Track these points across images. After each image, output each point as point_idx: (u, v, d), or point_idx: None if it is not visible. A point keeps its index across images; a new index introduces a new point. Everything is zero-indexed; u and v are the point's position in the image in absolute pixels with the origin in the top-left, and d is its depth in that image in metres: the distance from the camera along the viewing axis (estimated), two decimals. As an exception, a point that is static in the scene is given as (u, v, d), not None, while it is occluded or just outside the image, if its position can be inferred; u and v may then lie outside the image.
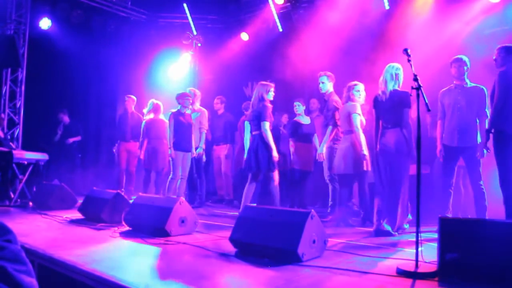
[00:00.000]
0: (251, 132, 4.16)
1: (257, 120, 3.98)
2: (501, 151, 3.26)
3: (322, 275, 2.17)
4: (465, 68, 3.58)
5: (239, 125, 5.89)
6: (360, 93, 3.97)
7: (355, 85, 3.98)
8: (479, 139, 3.55)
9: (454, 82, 3.66)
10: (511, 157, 3.22)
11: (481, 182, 3.50)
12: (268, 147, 3.91)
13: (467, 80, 3.63)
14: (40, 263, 2.43)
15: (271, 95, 4.05)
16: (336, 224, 3.93)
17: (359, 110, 3.90)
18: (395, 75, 3.43)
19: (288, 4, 6.65)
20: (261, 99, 4.00)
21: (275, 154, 3.92)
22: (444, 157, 3.70)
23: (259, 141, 3.96)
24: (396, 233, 3.35)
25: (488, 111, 3.53)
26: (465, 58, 3.62)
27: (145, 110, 5.83)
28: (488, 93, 3.52)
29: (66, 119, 6.72)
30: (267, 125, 3.93)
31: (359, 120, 3.87)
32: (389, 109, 3.39)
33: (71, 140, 6.59)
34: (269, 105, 4.01)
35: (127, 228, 3.51)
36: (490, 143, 3.37)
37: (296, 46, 6.35)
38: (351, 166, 3.85)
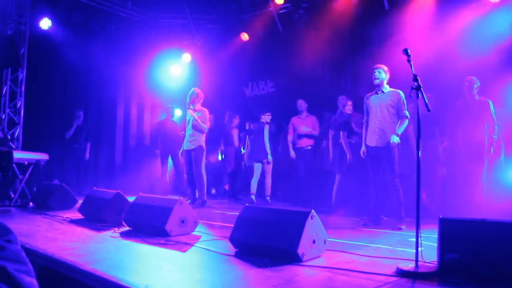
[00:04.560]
0: (336, 139, 5.11)
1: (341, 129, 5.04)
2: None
3: (322, 275, 2.17)
4: (383, 75, 3.92)
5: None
6: None
7: None
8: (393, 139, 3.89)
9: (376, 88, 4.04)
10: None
11: (397, 180, 3.87)
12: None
13: (386, 86, 4.01)
14: (40, 263, 2.43)
15: (347, 109, 5.04)
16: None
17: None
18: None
19: (289, 4, 6.64)
20: (341, 112, 5.09)
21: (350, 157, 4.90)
22: (366, 156, 4.08)
23: (341, 147, 5.05)
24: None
25: (408, 113, 3.90)
26: (383, 66, 3.96)
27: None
28: (404, 95, 3.85)
29: (81, 118, 6.78)
30: (343, 135, 4.98)
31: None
32: None
33: (87, 155, 6.71)
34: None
35: (127, 228, 3.51)
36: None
37: (296, 46, 6.35)
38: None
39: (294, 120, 5.89)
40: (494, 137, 4.26)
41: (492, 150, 4.24)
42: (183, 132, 5.65)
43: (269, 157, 5.80)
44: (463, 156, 4.40)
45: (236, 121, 6.68)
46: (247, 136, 6.57)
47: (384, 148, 3.92)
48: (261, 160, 5.86)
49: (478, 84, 4.35)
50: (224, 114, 7.02)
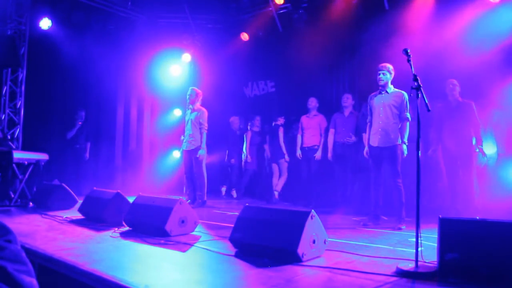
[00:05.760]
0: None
1: None
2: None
3: (322, 275, 2.17)
4: (387, 76, 3.94)
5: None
6: None
7: None
8: (399, 141, 3.90)
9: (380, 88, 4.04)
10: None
11: (399, 180, 3.88)
12: None
13: (390, 86, 4.01)
14: (40, 263, 2.44)
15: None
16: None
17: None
18: None
19: (289, 4, 6.65)
20: (363, 114, 5.06)
21: None
22: (370, 156, 4.08)
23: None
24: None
25: (409, 115, 3.90)
26: (387, 66, 3.94)
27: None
28: (408, 97, 3.84)
29: (83, 118, 6.77)
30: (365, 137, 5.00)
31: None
32: None
33: (87, 155, 6.71)
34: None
35: (127, 228, 3.51)
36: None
37: (296, 46, 6.36)
38: None
39: (303, 119, 5.83)
40: (482, 137, 4.35)
41: (478, 149, 4.33)
42: (183, 137, 5.64)
43: (286, 157, 6.18)
44: (453, 157, 4.44)
45: (257, 123, 6.69)
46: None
47: (387, 148, 3.92)
48: (277, 161, 6.24)
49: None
50: (223, 114, 7.03)
